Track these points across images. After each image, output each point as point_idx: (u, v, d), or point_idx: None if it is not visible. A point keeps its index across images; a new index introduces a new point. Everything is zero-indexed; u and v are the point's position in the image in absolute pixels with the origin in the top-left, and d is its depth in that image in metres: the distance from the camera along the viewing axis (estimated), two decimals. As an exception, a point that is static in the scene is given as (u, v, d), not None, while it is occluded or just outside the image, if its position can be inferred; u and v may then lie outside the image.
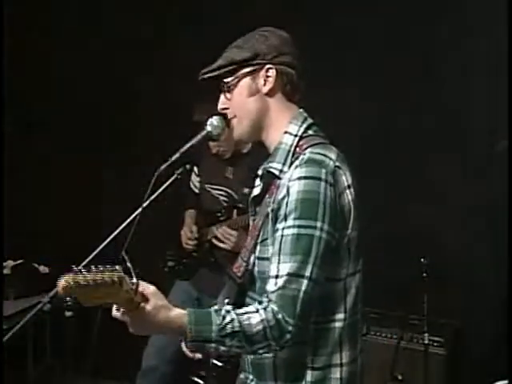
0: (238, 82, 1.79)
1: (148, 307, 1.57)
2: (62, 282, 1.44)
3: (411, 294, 3.73)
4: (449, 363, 3.55)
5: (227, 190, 3.31)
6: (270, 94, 1.79)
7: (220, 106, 1.84)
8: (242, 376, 1.84)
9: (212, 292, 2.69)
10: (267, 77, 1.78)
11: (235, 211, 3.26)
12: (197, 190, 3.51)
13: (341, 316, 1.71)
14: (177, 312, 1.60)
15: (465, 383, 3.61)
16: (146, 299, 1.58)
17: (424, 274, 3.45)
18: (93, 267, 1.47)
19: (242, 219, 3.15)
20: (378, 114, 3.88)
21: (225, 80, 1.80)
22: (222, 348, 1.59)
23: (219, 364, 1.74)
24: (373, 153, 3.82)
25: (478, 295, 3.70)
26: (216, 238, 3.26)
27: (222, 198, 3.34)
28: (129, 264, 1.58)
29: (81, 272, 1.45)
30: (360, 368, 1.78)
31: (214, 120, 1.96)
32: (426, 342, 3.42)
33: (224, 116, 1.86)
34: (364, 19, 3.83)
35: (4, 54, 4.25)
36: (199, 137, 1.96)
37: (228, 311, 1.60)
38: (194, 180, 3.51)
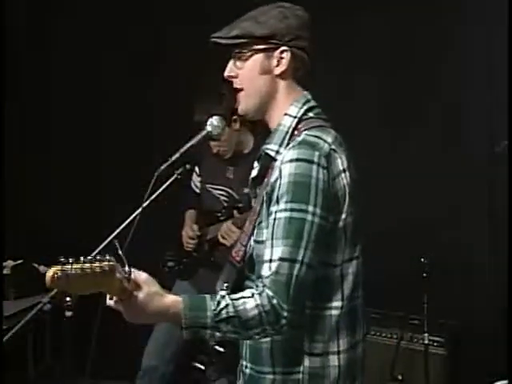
0: (252, 55, 1.76)
1: (141, 295, 1.56)
2: (49, 274, 1.42)
3: (411, 294, 3.73)
4: (449, 363, 3.55)
5: (228, 190, 3.31)
6: (281, 75, 1.77)
7: (227, 72, 1.81)
8: (242, 363, 1.84)
9: (212, 292, 2.68)
10: (281, 58, 1.76)
11: (235, 211, 3.26)
12: (198, 190, 3.51)
13: (338, 303, 1.70)
14: (171, 299, 1.59)
15: (465, 383, 3.61)
16: (138, 287, 1.57)
17: (424, 274, 3.46)
18: (82, 258, 1.45)
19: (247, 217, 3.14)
20: (378, 113, 3.88)
21: (237, 51, 1.77)
22: (218, 334, 1.58)
23: (221, 350, 1.73)
24: (372, 153, 3.82)
25: (478, 295, 3.70)
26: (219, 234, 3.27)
27: (222, 198, 3.34)
28: (120, 252, 1.57)
29: (69, 262, 1.43)
30: (361, 355, 1.77)
31: (214, 120, 1.96)
32: (426, 342, 3.42)
33: (224, 116, 1.85)
34: (365, 18, 3.84)
35: (5, 55, 4.26)
36: (199, 137, 1.96)
37: (223, 296, 1.59)
38: (195, 180, 3.51)
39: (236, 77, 1.79)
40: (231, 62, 1.80)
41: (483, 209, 3.69)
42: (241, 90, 1.79)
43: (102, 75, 4.41)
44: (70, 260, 1.44)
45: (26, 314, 1.93)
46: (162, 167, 1.96)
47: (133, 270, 1.57)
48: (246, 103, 1.80)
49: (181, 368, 3.36)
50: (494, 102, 3.59)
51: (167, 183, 2.07)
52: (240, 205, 3.21)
